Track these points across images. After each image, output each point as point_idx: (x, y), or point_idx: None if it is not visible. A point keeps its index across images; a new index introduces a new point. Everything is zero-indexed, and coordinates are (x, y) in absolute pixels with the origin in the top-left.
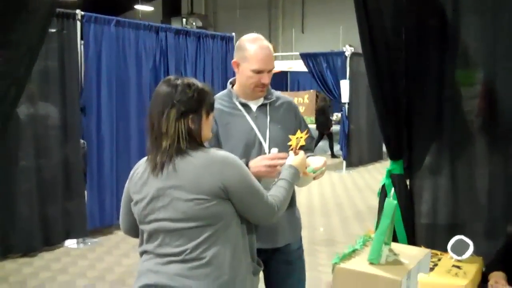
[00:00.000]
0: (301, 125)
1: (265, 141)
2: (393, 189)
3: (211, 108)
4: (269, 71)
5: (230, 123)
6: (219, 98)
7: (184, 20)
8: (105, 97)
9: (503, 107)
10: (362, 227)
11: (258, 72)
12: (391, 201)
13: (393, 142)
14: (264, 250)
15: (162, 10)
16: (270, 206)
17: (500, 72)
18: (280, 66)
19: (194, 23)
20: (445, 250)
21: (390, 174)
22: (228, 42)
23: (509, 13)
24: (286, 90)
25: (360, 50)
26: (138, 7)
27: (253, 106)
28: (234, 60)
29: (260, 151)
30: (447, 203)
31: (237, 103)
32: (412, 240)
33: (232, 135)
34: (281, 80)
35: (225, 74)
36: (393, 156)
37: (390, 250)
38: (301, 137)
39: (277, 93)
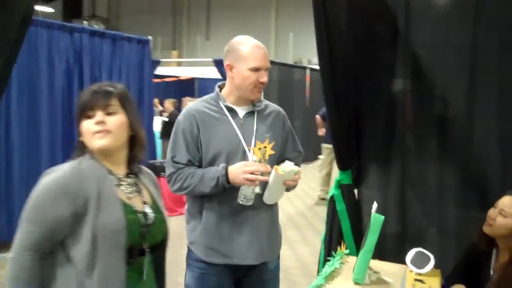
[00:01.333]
0: (288, 136)
1: (249, 149)
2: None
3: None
4: (266, 69)
5: (214, 127)
6: (205, 101)
7: (85, 22)
8: (14, 101)
9: (454, 115)
10: (298, 234)
11: (256, 70)
12: (378, 216)
13: (343, 153)
14: (239, 266)
15: (62, 11)
16: None
17: (451, 81)
18: (187, 72)
19: (96, 26)
20: (394, 261)
21: (339, 184)
22: (144, 46)
23: (460, 22)
24: (193, 96)
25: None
26: (38, 7)
27: (241, 112)
28: (227, 63)
29: (244, 160)
30: (397, 213)
31: (224, 107)
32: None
33: (215, 140)
34: (188, 88)
35: (141, 77)
36: (342, 167)
37: (370, 268)
38: (265, 147)
39: (266, 101)
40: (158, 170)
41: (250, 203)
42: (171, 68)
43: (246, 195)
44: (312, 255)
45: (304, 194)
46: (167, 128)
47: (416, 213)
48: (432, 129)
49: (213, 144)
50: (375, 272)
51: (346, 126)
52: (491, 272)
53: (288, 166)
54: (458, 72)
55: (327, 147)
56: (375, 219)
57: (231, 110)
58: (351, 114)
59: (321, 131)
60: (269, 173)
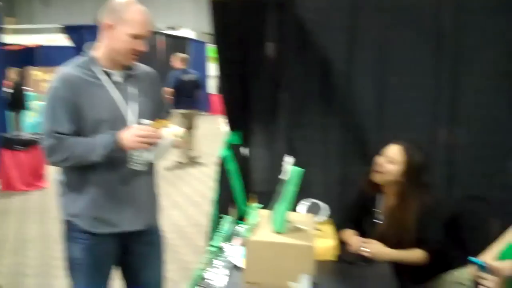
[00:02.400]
0: (161, 97)
1: (132, 114)
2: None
3: None
4: (146, 37)
5: (93, 94)
6: (78, 66)
7: None
8: None
9: (334, 73)
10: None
11: (136, 37)
12: (297, 169)
13: (232, 112)
14: (127, 233)
15: None
16: None
17: (331, 40)
18: (27, 40)
19: None
20: None
21: (229, 145)
22: None
23: None
24: (33, 65)
25: None
26: None
27: (117, 76)
28: (106, 22)
29: (125, 126)
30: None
31: (98, 72)
32: None
33: (95, 107)
34: (26, 56)
35: None
36: (232, 127)
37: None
38: (163, 123)
39: (138, 64)
40: (13, 143)
41: (142, 168)
42: (9, 36)
43: (138, 160)
44: (185, 218)
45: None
46: (14, 99)
47: (303, 168)
48: (314, 87)
49: (93, 112)
50: (290, 221)
51: (235, 89)
52: (379, 216)
53: (177, 129)
54: (338, 32)
55: (180, 113)
56: (295, 172)
57: (107, 75)
58: (240, 78)
59: (170, 100)
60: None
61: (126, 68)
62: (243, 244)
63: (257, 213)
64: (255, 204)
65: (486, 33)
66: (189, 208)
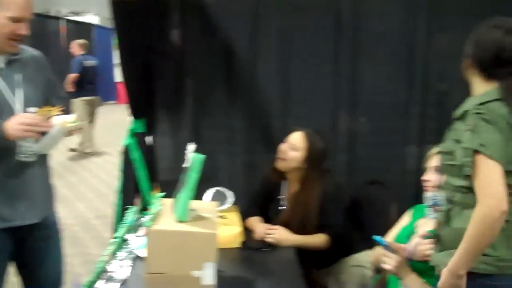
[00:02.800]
0: (51, 81)
1: (18, 102)
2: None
3: None
4: (28, 20)
5: None
6: None
7: None
8: None
9: (238, 61)
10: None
11: (16, 20)
12: (199, 155)
13: (135, 100)
14: (20, 227)
15: None
16: None
17: (234, 28)
18: None
19: None
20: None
21: (133, 133)
22: None
23: None
24: None
25: None
26: None
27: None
28: None
29: (11, 114)
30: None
31: None
32: None
33: None
34: None
35: None
36: (135, 115)
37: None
38: (50, 110)
39: (25, 46)
40: None
41: (31, 159)
42: None
43: (27, 151)
44: (90, 210)
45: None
46: None
47: (209, 156)
48: (219, 75)
49: None
50: (193, 209)
51: (138, 77)
52: (283, 202)
53: (69, 117)
54: (242, 19)
55: (83, 100)
56: (196, 159)
57: None
58: (143, 65)
59: (71, 87)
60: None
61: (10, 53)
62: (145, 234)
63: (159, 202)
64: (158, 193)
65: (385, 21)
66: (95, 199)
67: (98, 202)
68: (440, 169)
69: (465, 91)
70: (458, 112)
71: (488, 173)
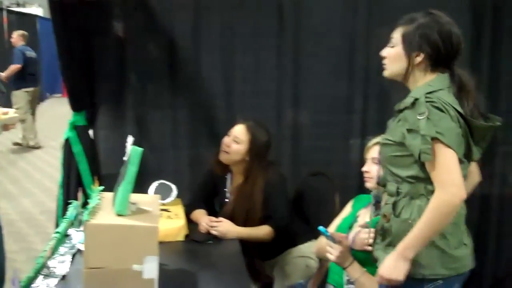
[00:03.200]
0: None
1: None
2: None
3: None
4: None
5: None
6: None
7: None
8: None
9: (181, 53)
10: (18, 187)
11: None
12: (137, 148)
13: (75, 93)
14: None
15: None
16: None
17: (177, 19)
18: None
19: None
20: None
21: (73, 126)
22: None
23: None
24: None
25: None
26: None
27: None
28: None
29: None
30: None
31: None
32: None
33: None
34: None
35: None
36: (75, 108)
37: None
38: None
39: None
40: None
41: None
42: None
43: None
44: (35, 206)
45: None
46: None
47: (153, 149)
48: (162, 67)
49: None
50: (133, 203)
51: (78, 68)
52: (228, 195)
53: (4, 109)
54: (185, 12)
55: (23, 91)
56: (134, 152)
57: None
58: (84, 56)
59: (6, 78)
60: None
61: None
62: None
63: (98, 196)
64: (97, 187)
65: (326, 15)
66: (39, 194)
67: (43, 197)
68: (383, 161)
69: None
70: (408, 101)
71: (447, 161)
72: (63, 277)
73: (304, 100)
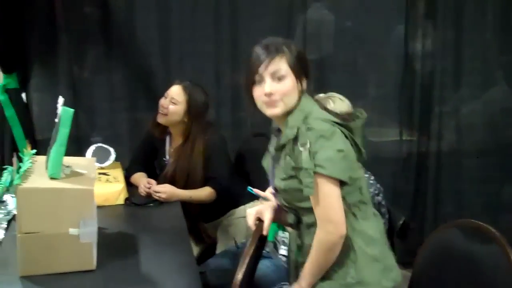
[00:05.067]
0: None
1: None
2: None
3: None
4: None
5: None
6: None
7: None
8: None
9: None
10: None
11: None
12: (68, 109)
13: (5, 54)
14: None
15: None
16: None
17: None
18: None
19: None
20: None
21: (5, 89)
22: None
23: None
24: None
25: None
26: None
27: None
28: None
29: None
30: None
31: None
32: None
33: None
34: None
35: None
36: (5, 70)
37: (62, 163)
38: None
39: None
40: None
41: None
42: None
43: None
44: None
45: None
46: None
47: (91, 112)
48: (96, 28)
49: None
50: (67, 166)
51: (6, 27)
52: (167, 157)
53: None
54: None
55: None
56: (65, 113)
57: None
58: (13, 15)
59: None
60: None
61: None
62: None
63: (30, 160)
64: (29, 151)
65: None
66: None
67: None
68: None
69: None
70: (290, 134)
71: (327, 197)
72: None
73: (242, 60)
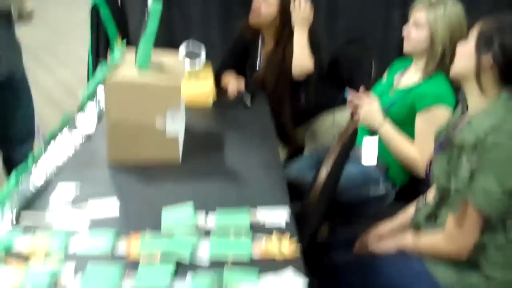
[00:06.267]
0: None
1: None
2: None
3: None
4: None
5: None
6: None
7: None
8: None
9: None
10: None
11: None
12: (156, 3)
13: None
14: None
15: None
16: None
17: None
18: None
19: None
20: None
21: None
22: None
23: None
24: None
25: None
26: None
27: None
28: None
29: None
30: None
31: None
32: None
33: None
34: None
35: None
36: None
37: None
38: None
39: None
40: None
41: None
42: None
43: None
44: (74, 77)
45: None
46: None
47: (183, 18)
48: None
49: None
50: (157, 62)
51: None
52: (258, 59)
53: None
54: None
55: None
56: (154, 7)
57: None
58: None
59: None
60: None
61: None
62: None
63: (121, 53)
64: (121, 44)
65: None
66: (77, 67)
67: (82, 69)
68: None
69: None
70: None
71: (469, 221)
72: (88, 133)
73: None
